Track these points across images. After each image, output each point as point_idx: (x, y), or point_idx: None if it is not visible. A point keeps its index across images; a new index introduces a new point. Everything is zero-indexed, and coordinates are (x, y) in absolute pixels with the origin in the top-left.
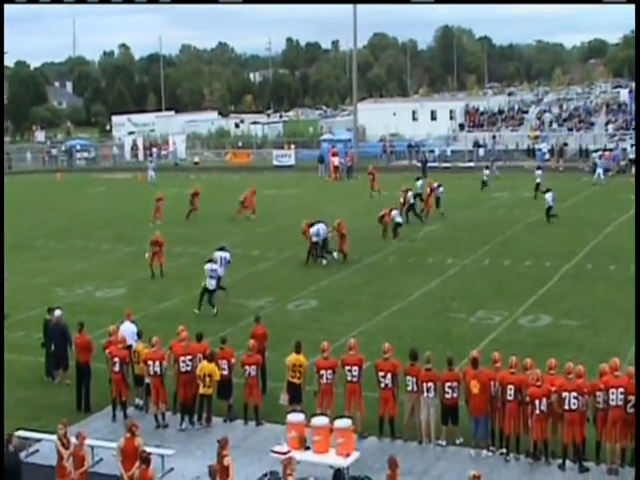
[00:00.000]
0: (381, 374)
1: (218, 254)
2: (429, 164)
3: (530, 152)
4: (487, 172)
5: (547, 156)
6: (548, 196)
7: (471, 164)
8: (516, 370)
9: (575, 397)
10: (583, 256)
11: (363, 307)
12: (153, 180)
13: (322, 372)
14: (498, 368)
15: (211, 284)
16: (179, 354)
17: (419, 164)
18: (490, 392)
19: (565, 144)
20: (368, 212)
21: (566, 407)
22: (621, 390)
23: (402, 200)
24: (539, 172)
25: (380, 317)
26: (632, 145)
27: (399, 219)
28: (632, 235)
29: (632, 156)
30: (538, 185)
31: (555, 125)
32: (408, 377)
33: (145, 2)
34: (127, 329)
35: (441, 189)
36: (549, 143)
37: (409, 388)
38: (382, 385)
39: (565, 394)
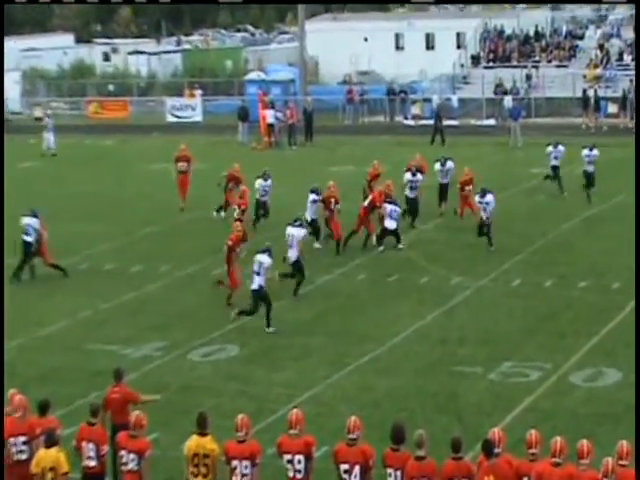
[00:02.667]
0: (344, 467)
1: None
2: (423, 122)
3: (586, 102)
4: (553, 150)
5: (614, 109)
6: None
7: (491, 122)
8: (563, 460)
9: None
10: None
11: (315, 357)
12: None
13: (234, 463)
14: (535, 456)
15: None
16: (8, 434)
17: (432, 122)
18: None
19: None
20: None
21: None
22: None
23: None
24: (592, 154)
25: (343, 373)
26: None
27: (391, 223)
28: None
29: None
30: (589, 177)
31: (629, 59)
32: (389, 469)
33: (145, 2)
34: None
35: (450, 164)
36: (618, 88)
37: None
38: None
39: None
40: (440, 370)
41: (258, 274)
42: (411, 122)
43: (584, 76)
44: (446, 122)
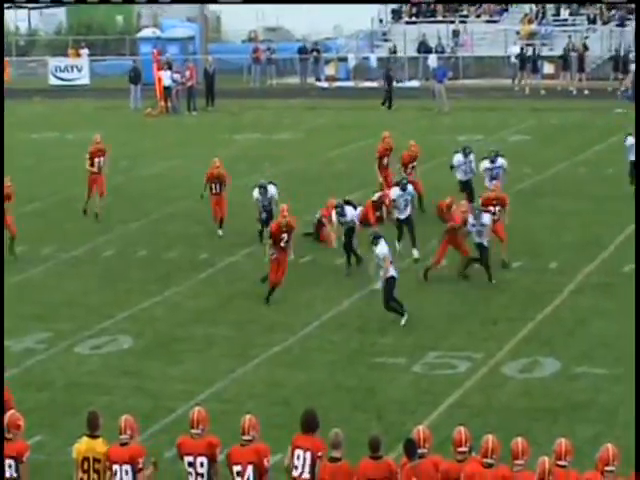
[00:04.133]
0: (236, 469)
1: None
2: (339, 84)
3: (523, 62)
4: (491, 166)
5: (551, 69)
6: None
7: (415, 83)
8: (496, 460)
9: None
10: (615, 250)
11: (218, 348)
12: None
13: (115, 468)
14: (464, 456)
15: None
16: None
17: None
18: None
19: (585, 47)
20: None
21: None
22: None
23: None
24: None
25: (249, 366)
26: None
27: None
28: None
29: None
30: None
31: (566, 13)
32: (298, 451)
33: (145, 2)
34: None
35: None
36: (555, 46)
37: None
38: None
39: None
40: (358, 362)
41: None
42: (325, 84)
43: (517, 32)
44: (364, 84)
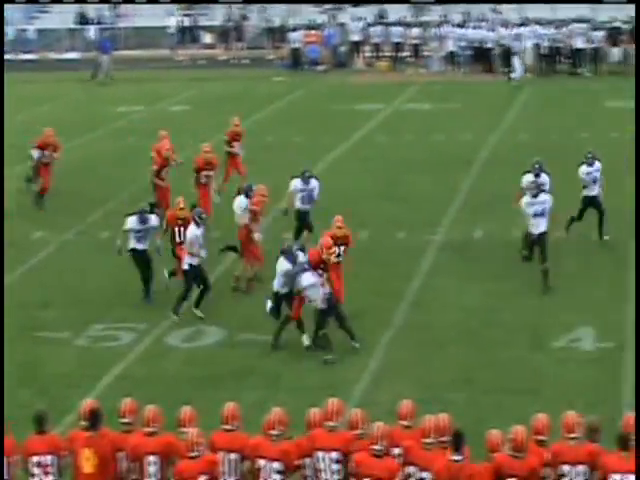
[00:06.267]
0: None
1: None
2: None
3: (183, 32)
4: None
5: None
6: None
7: (74, 55)
8: (158, 429)
9: None
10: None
11: None
12: None
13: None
14: (129, 427)
15: None
16: None
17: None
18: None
19: (244, 17)
20: None
21: None
22: None
23: None
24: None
25: None
26: None
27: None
28: None
29: None
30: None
31: None
32: None
33: (144, 2)
34: None
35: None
36: (215, 17)
37: None
38: None
39: None
40: (22, 338)
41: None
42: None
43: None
44: (23, 56)
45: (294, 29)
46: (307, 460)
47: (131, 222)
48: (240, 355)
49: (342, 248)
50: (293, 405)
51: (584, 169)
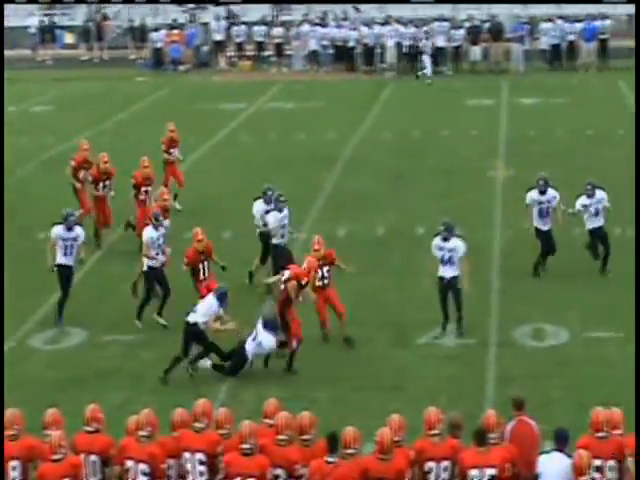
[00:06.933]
0: None
1: None
2: None
3: (43, 32)
4: None
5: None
6: None
7: None
8: (19, 431)
9: None
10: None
11: None
12: None
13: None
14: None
15: None
16: None
17: None
18: None
19: (105, 17)
20: None
21: None
22: None
23: None
24: None
25: None
26: None
27: None
28: None
29: None
30: None
31: None
32: None
33: (144, 2)
34: None
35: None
36: (77, 16)
37: None
38: None
39: None
40: None
41: None
42: None
43: (37, 2)
44: None
45: (156, 29)
46: (172, 461)
47: (57, 230)
48: (104, 356)
49: (326, 269)
50: (157, 405)
51: (582, 201)
